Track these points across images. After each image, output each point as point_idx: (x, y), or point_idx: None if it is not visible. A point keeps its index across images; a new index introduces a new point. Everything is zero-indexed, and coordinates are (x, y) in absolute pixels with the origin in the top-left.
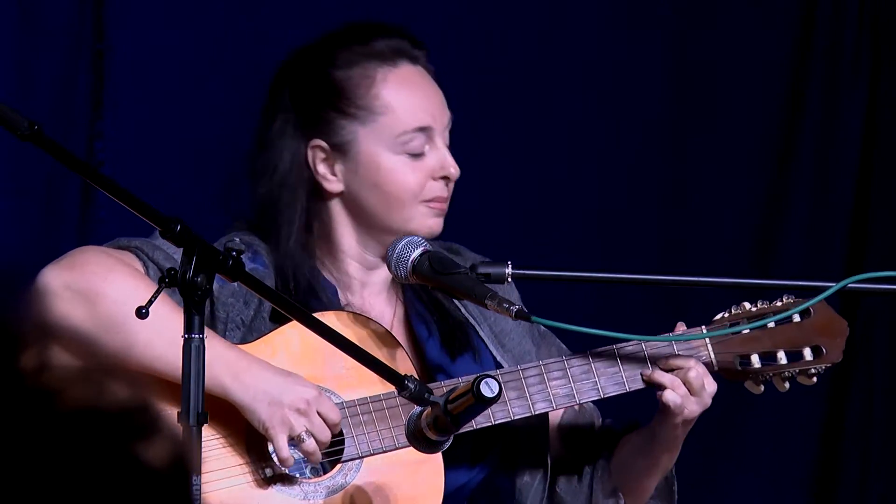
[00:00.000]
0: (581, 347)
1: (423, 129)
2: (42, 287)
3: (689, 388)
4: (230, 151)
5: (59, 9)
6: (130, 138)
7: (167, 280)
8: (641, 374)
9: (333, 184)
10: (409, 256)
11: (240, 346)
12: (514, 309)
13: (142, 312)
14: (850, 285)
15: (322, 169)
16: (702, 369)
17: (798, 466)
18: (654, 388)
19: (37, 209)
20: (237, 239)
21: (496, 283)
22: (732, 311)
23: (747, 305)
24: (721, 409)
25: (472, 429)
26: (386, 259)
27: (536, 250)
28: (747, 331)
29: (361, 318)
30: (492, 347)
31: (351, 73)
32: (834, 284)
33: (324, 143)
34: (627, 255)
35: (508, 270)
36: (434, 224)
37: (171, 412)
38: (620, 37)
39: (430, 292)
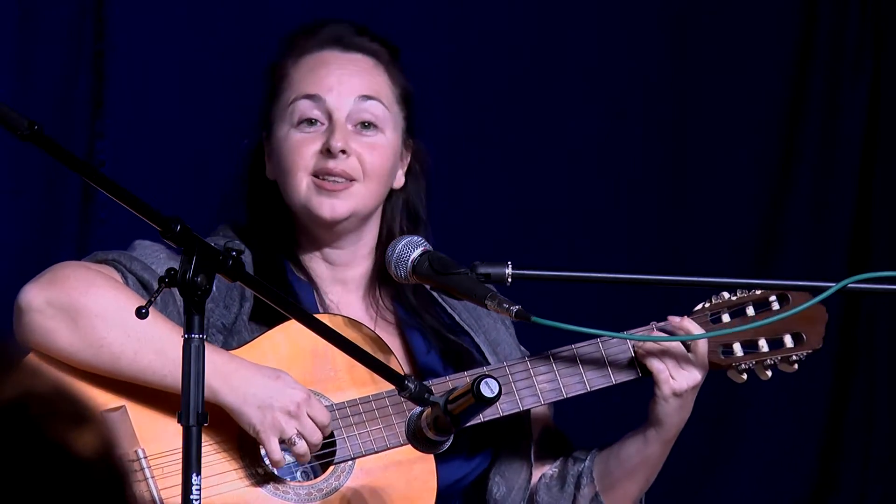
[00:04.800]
0: None
1: (310, 97)
2: (24, 305)
3: (676, 356)
4: (230, 152)
5: (59, 9)
6: (130, 138)
7: (167, 280)
8: (635, 353)
9: (270, 171)
10: (409, 256)
11: (229, 351)
12: (514, 309)
13: (142, 312)
14: (850, 285)
15: (266, 160)
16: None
17: (799, 466)
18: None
19: (37, 209)
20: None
21: (496, 283)
22: (713, 300)
23: (726, 295)
24: (720, 408)
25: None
26: (385, 259)
27: (536, 250)
28: (727, 318)
29: (353, 322)
30: (489, 356)
31: (280, 67)
32: (834, 284)
33: (264, 136)
34: (627, 256)
35: (508, 270)
36: (324, 204)
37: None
38: (621, 36)
39: (423, 312)
